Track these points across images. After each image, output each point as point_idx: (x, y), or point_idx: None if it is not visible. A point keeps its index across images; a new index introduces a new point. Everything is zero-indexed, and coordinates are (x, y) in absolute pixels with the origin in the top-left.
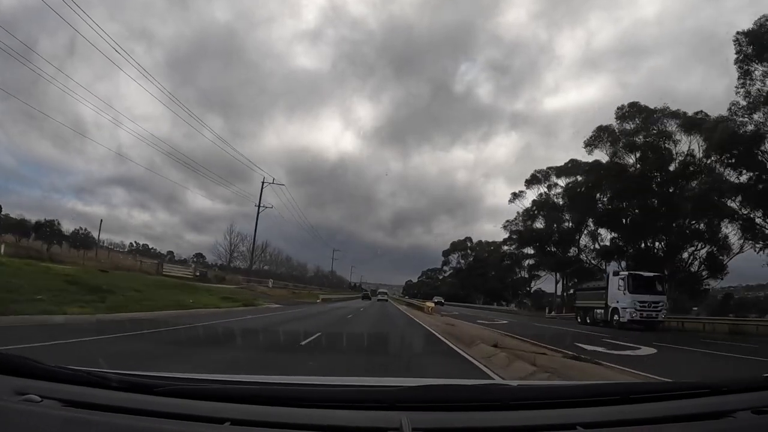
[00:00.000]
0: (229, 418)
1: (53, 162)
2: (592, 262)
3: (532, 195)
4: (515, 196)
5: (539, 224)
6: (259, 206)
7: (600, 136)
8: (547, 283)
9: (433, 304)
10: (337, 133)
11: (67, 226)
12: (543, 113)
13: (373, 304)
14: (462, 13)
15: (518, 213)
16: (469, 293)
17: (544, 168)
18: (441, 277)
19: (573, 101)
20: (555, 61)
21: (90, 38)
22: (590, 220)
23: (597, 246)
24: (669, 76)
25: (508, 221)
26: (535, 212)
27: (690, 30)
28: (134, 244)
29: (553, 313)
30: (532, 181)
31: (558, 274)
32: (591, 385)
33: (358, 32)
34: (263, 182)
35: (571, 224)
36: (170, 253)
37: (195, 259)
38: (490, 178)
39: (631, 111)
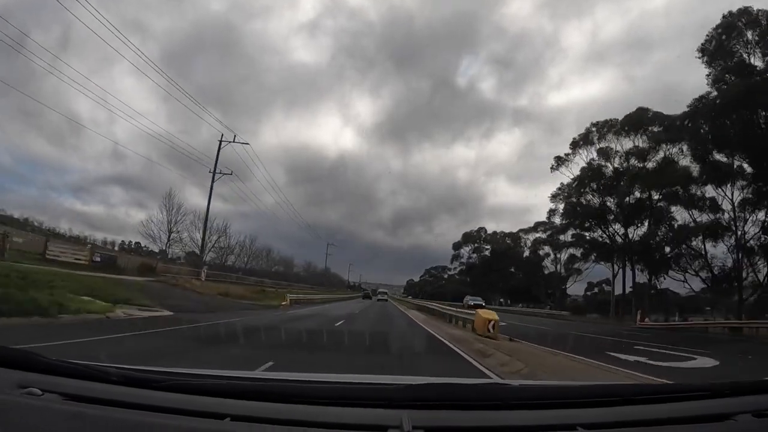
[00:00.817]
0: (229, 414)
1: (48, 160)
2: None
3: (580, 161)
4: (559, 162)
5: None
6: (214, 172)
7: (723, 39)
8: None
9: (495, 316)
10: (336, 130)
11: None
12: (547, 109)
13: (372, 305)
14: (464, 4)
15: (562, 184)
16: (482, 293)
17: (601, 120)
18: (446, 276)
19: (578, 97)
20: (560, 54)
21: (82, 27)
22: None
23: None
24: (677, 69)
25: (559, 188)
26: (588, 180)
27: (698, 22)
28: (124, 242)
29: (647, 320)
30: (583, 141)
31: (616, 266)
32: (592, 386)
33: (357, 23)
34: (221, 140)
35: (646, 192)
36: (163, 252)
37: (141, 245)
38: (492, 176)
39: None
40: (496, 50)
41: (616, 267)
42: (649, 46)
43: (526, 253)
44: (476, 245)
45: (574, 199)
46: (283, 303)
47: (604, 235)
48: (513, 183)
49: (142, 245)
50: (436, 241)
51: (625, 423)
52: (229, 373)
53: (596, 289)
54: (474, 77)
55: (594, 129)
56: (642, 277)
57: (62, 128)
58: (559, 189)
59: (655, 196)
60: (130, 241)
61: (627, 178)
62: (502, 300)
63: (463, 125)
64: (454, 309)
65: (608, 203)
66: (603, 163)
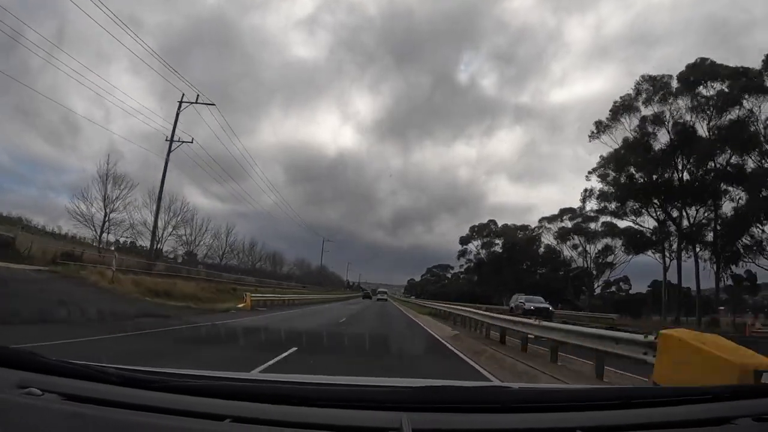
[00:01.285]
0: (229, 415)
1: (46, 159)
2: None
3: (622, 131)
4: (600, 128)
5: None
6: (171, 139)
7: None
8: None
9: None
10: (335, 128)
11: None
12: (549, 106)
13: (368, 308)
14: None
15: (602, 157)
16: (490, 292)
17: (650, 75)
18: (449, 275)
19: (580, 93)
20: (563, 49)
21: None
22: None
23: None
24: (681, 66)
25: (600, 162)
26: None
27: (703, 16)
28: (119, 241)
29: (757, 324)
30: (623, 107)
31: (668, 260)
32: (592, 389)
33: (356, 17)
34: (180, 101)
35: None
36: (158, 251)
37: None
38: (493, 175)
39: None
40: (497, 45)
41: (667, 259)
42: (654, 41)
43: (543, 248)
44: (486, 239)
45: (614, 175)
46: (240, 305)
47: (660, 218)
48: (514, 182)
49: (137, 244)
50: (437, 240)
51: (625, 426)
52: (229, 374)
53: (613, 288)
54: (475, 73)
55: (644, 83)
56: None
57: (59, 127)
58: (601, 162)
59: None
60: (125, 240)
61: (707, 140)
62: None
63: (464, 123)
64: (503, 316)
65: (665, 176)
66: (653, 130)
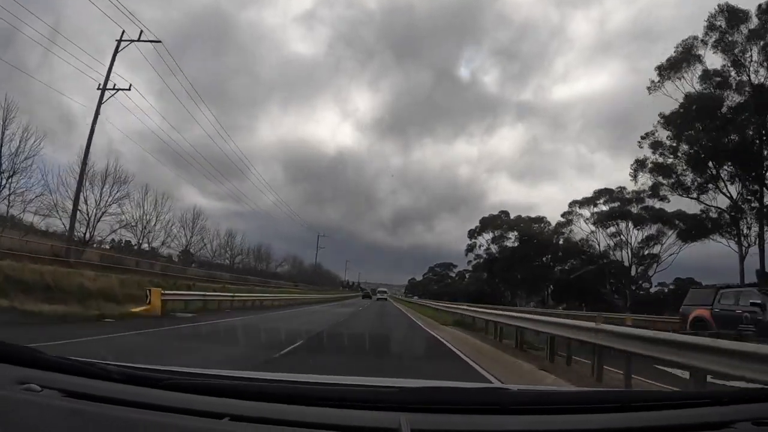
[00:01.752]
0: (228, 414)
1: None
2: None
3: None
4: (663, 74)
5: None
6: (104, 86)
7: None
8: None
9: None
10: (334, 126)
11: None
12: (551, 103)
13: (364, 311)
14: None
15: (661, 115)
16: (502, 291)
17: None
18: (453, 274)
19: (583, 90)
20: (566, 44)
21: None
22: None
23: None
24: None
25: (661, 121)
26: None
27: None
28: (114, 240)
29: None
30: (687, 53)
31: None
32: (591, 391)
33: (355, 11)
34: (119, 40)
35: None
36: (153, 249)
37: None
38: (494, 173)
39: None
40: (499, 40)
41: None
42: (657, 36)
43: (563, 240)
44: (497, 233)
45: (670, 144)
46: (139, 309)
47: (737, 193)
48: (516, 180)
49: (132, 243)
50: (439, 239)
51: (624, 429)
52: (229, 372)
53: (634, 287)
54: (476, 69)
55: (719, 16)
56: None
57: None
58: (661, 121)
59: None
60: (121, 239)
61: None
62: (523, 302)
63: (466, 120)
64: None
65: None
66: (733, 79)
